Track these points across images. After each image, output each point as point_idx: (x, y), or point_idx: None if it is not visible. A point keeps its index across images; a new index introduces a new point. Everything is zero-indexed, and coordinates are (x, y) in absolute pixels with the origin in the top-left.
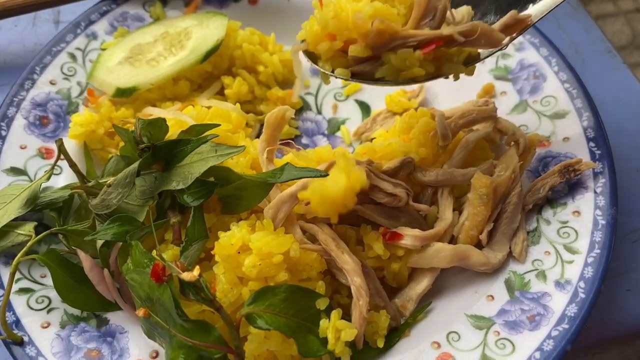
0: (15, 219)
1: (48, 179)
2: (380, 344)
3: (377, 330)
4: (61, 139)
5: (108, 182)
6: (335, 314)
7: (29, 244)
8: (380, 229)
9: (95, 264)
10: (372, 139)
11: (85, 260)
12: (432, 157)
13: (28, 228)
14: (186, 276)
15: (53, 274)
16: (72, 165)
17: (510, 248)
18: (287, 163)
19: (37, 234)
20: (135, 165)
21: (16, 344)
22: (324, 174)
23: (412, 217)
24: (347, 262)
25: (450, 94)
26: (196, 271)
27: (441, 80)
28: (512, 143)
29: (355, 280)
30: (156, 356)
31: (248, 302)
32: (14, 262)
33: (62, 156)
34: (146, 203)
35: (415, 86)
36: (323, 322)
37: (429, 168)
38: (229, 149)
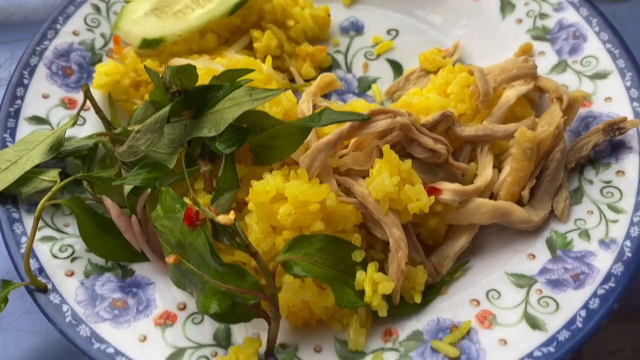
0: (38, 166)
1: (73, 125)
2: (418, 299)
3: (414, 285)
4: (87, 84)
5: (136, 128)
6: (372, 266)
7: (54, 188)
8: None
9: (122, 211)
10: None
11: (112, 207)
12: (471, 113)
13: (52, 174)
14: (222, 219)
15: (79, 221)
16: (98, 111)
17: (552, 207)
18: (326, 107)
19: (61, 180)
20: (166, 109)
21: (40, 291)
22: (366, 118)
23: (450, 174)
24: (389, 217)
25: (486, 54)
26: (231, 215)
27: (476, 38)
28: (555, 99)
29: (394, 232)
30: (184, 308)
31: (284, 250)
32: (39, 206)
33: (86, 106)
34: (175, 151)
35: (450, 45)
36: (360, 274)
37: (468, 124)
38: (264, 92)
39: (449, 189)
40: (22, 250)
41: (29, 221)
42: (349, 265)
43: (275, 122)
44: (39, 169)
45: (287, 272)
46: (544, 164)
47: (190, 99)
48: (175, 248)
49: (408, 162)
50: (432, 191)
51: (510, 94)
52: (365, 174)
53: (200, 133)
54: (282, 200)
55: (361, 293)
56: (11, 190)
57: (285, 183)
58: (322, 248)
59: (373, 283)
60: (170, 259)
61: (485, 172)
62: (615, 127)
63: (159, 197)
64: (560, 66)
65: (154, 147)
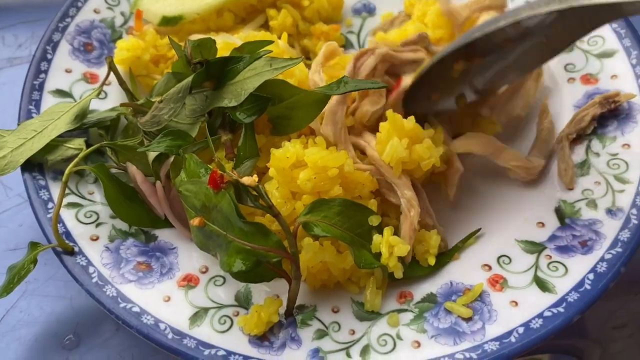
0: (62, 136)
1: (97, 95)
2: (432, 261)
3: (428, 249)
4: (111, 57)
5: (159, 99)
6: (387, 230)
7: (80, 154)
8: None
9: (146, 178)
10: None
11: (137, 174)
12: (448, 37)
13: (78, 142)
14: (247, 180)
15: (105, 187)
16: (122, 82)
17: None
18: (344, 76)
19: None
20: (189, 80)
21: (67, 254)
22: (384, 85)
23: None
24: (401, 179)
25: None
26: (255, 177)
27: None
28: None
29: (405, 193)
30: (206, 271)
31: (304, 212)
32: (67, 171)
33: (107, 80)
34: (197, 121)
35: None
36: (376, 237)
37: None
38: (284, 62)
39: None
40: (49, 216)
41: (54, 188)
42: (365, 229)
43: (295, 92)
44: (64, 138)
45: (308, 232)
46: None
47: (211, 70)
48: (199, 211)
49: (411, 119)
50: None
51: (483, 19)
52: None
53: (221, 103)
54: (301, 167)
55: (377, 256)
56: (37, 158)
57: (304, 150)
58: (340, 212)
59: (389, 246)
60: (195, 222)
61: None
62: (611, 100)
63: (183, 163)
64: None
65: (175, 118)
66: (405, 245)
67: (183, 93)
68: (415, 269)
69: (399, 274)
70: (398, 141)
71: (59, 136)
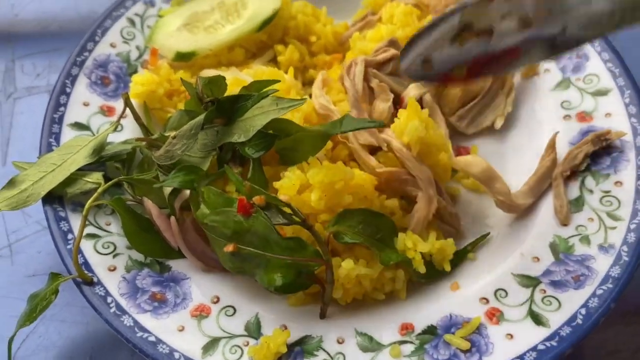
0: (81, 169)
1: (114, 130)
2: (447, 267)
3: (444, 256)
4: (127, 93)
5: (172, 134)
6: (409, 232)
7: (99, 189)
8: None
9: (161, 212)
10: None
11: (153, 208)
12: None
13: (96, 176)
14: (283, 197)
15: (123, 220)
16: (137, 118)
17: (554, 211)
18: (347, 114)
19: (104, 183)
20: (201, 117)
21: (86, 284)
22: (382, 124)
23: None
24: (423, 172)
25: None
26: (289, 195)
27: None
28: None
29: (429, 190)
30: (217, 301)
31: (332, 224)
32: (87, 206)
33: (124, 114)
34: (208, 155)
35: None
36: (400, 235)
37: None
38: (290, 102)
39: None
40: (69, 247)
41: (74, 220)
42: (385, 234)
43: (299, 129)
44: (83, 171)
45: (339, 241)
46: (537, 167)
47: (222, 107)
48: (230, 238)
49: (425, 111)
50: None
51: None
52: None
53: (231, 139)
54: (307, 189)
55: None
56: (57, 190)
57: (305, 174)
58: (362, 220)
59: (413, 242)
60: (229, 248)
61: None
62: (602, 138)
63: (200, 197)
64: (564, 83)
65: (188, 152)
66: (426, 244)
67: (195, 130)
68: (434, 272)
69: (422, 268)
70: (417, 121)
71: (78, 169)
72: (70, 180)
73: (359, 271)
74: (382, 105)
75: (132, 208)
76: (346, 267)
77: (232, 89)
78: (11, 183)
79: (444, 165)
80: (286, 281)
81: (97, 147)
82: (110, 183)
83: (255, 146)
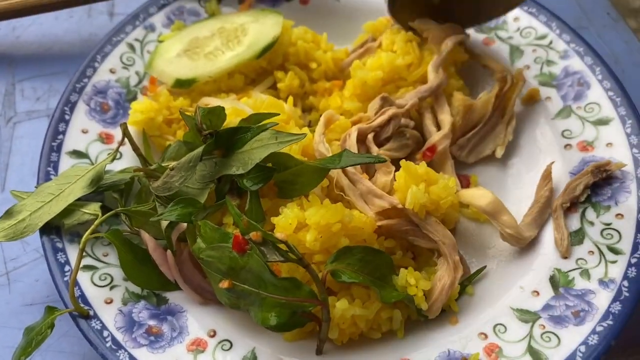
0: (79, 199)
1: (112, 161)
2: (455, 308)
3: (452, 297)
4: (125, 123)
5: (170, 165)
6: (410, 269)
7: (96, 222)
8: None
9: (158, 244)
10: None
11: (149, 240)
12: (417, 61)
13: (94, 207)
14: (280, 236)
15: (119, 252)
16: (135, 149)
17: (555, 243)
18: (346, 149)
19: (102, 214)
20: (200, 150)
21: (82, 317)
22: (383, 160)
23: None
24: (447, 237)
25: None
26: (286, 232)
27: None
28: (499, 78)
29: (452, 255)
30: (214, 335)
31: (330, 260)
32: (83, 239)
33: (122, 143)
34: (206, 187)
35: None
36: (402, 272)
37: (402, 96)
38: (289, 137)
39: (436, 140)
40: (66, 279)
41: (71, 251)
42: (383, 272)
43: (298, 163)
44: (80, 202)
45: (336, 279)
46: (536, 197)
47: (220, 140)
48: (226, 274)
49: (423, 165)
50: (431, 151)
51: (449, 42)
52: None
53: (230, 171)
54: (304, 228)
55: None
56: (55, 221)
57: (303, 212)
58: (362, 258)
59: (414, 279)
60: (224, 284)
61: (444, 112)
62: (602, 169)
63: (197, 230)
64: (565, 111)
65: (186, 183)
66: (427, 282)
67: (194, 162)
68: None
69: (424, 305)
70: (416, 187)
71: (76, 200)
72: (68, 211)
73: (354, 311)
74: (384, 179)
75: (129, 239)
76: (341, 307)
77: (231, 119)
78: (8, 213)
79: (452, 207)
80: (280, 321)
81: (95, 178)
82: (106, 215)
83: (254, 179)
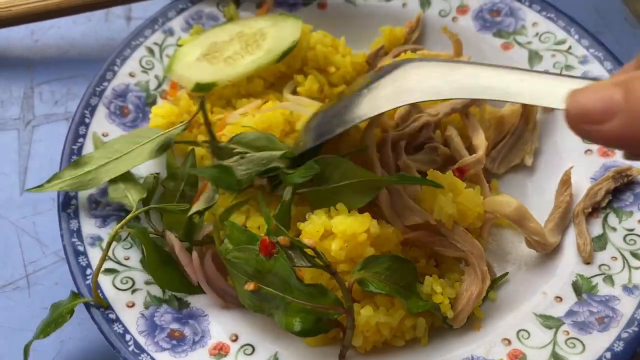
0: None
1: (183, 130)
2: (480, 315)
3: (478, 304)
4: (204, 97)
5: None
6: (435, 277)
7: (129, 215)
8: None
9: (183, 246)
10: None
11: (175, 242)
12: None
13: (136, 195)
14: (308, 242)
15: (147, 250)
16: (207, 122)
17: (577, 249)
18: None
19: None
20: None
21: (106, 321)
22: (439, 186)
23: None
24: (475, 247)
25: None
26: (313, 238)
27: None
28: None
29: (482, 265)
30: (236, 339)
31: (357, 268)
32: (113, 232)
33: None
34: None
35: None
36: (427, 279)
37: (431, 107)
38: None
39: (469, 162)
40: (88, 282)
41: (92, 254)
42: (408, 280)
43: (351, 171)
44: (130, 183)
45: (363, 288)
46: (556, 203)
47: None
48: (252, 276)
49: (450, 174)
50: (461, 172)
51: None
52: None
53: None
54: (329, 236)
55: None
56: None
57: (330, 220)
58: (389, 267)
59: (439, 287)
60: (250, 286)
61: (479, 136)
62: (623, 174)
63: (225, 231)
64: None
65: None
66: (452, 290)
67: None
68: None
69: (450, 313)
70: (444, 198)
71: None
72: (117, 186)
73: (378, 319)
74: (411, 188)
75: (154, 240)
76: (365, 314)
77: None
78: (76, 163)
79: (478, 217)
80: (305, 327)
81: (164, 144)
82: (142, 209)
83: (300, 174)
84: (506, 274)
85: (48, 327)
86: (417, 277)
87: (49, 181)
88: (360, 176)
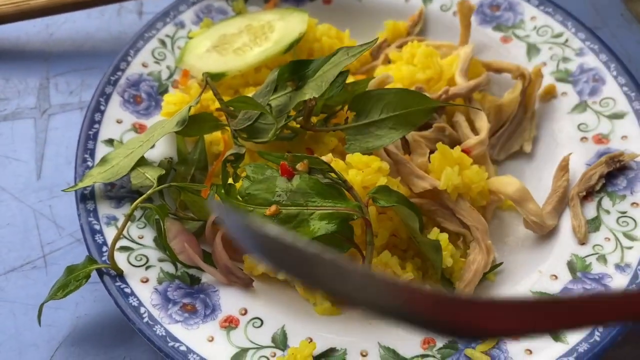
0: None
1: (196, 103)
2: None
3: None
4: (208, 73)
5: (252, 94)
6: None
7: (149, 191)
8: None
9: (183, 228)
10: None
11: (172, 225)
12: (437, 76)
13: (154, 173)
14: (326, 158)
15: (167, 226)
16: (217, 94)
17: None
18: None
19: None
20: (275, 73)
21: (120, 293)
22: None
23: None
24: (480, 222)
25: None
26: (331, 155)
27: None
28: (518, 77)
29: (486, 239)
30: (245, 313)
31: (372, 192)
32: (134, 205)
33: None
34: (281, 120)
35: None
36: (434, 230)
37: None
38: (359, 47)
39: (472, 144)
40: (104, 258)
41: (108, 232)
42: (414, 227)
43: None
44: (146, 166)
45: (375, 203)
46: (553, 187)
47: (294, 68)
48: (272, 202)
49: (457, 149)
50: (466, 153)
51: (467, 49)
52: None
53: (304, 97)
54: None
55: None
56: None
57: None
58: (396, 201)
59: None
60: (271, 210)
61: (482, 119)
62: (616, 159)
63: (241, 175)
64: (581, 106)
65: (261, 119)
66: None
67: (270, 86)
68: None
69: (449, 260)
70: (451, 169)
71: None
72: (137, 173)
73: (394, 229)
74: (420, 160)
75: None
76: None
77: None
78: (103, 160)
79: (481, 194)
80: (331, 229)
81: (181, 120)
82: (162, 186)
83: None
84: (501, 263)
85: (64, 288)
86: (422, 224)
87: (82, 180)
88: (410, 103)
